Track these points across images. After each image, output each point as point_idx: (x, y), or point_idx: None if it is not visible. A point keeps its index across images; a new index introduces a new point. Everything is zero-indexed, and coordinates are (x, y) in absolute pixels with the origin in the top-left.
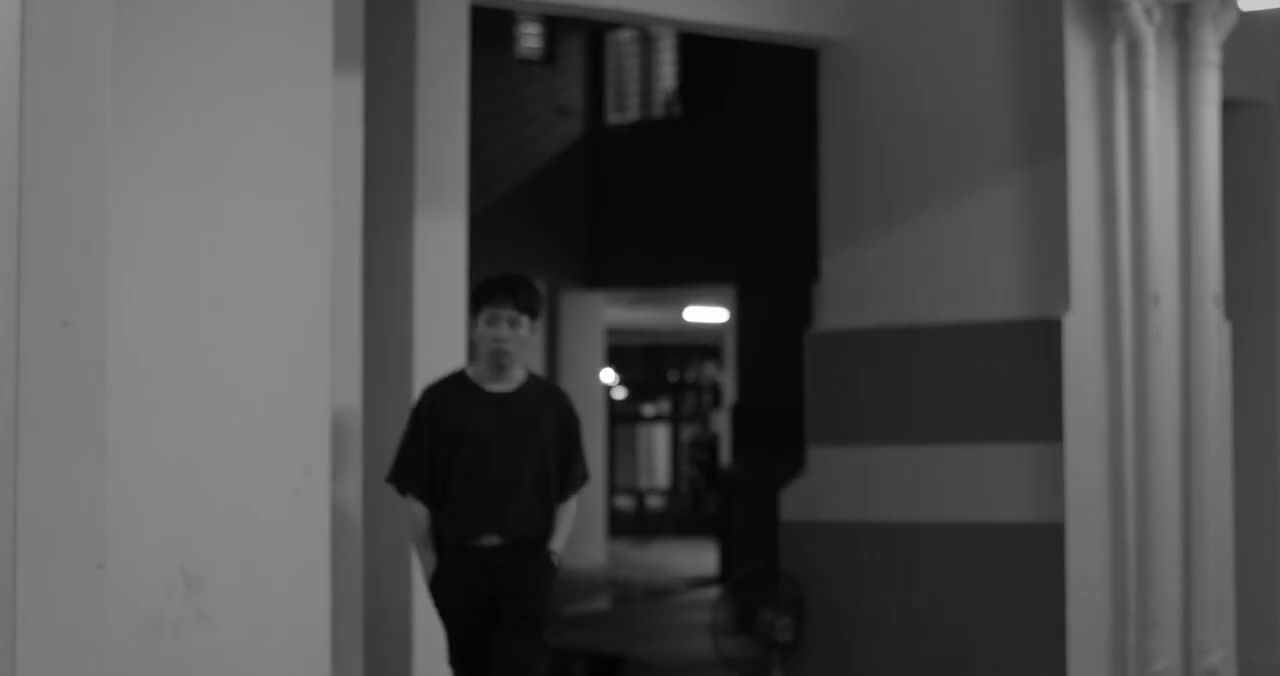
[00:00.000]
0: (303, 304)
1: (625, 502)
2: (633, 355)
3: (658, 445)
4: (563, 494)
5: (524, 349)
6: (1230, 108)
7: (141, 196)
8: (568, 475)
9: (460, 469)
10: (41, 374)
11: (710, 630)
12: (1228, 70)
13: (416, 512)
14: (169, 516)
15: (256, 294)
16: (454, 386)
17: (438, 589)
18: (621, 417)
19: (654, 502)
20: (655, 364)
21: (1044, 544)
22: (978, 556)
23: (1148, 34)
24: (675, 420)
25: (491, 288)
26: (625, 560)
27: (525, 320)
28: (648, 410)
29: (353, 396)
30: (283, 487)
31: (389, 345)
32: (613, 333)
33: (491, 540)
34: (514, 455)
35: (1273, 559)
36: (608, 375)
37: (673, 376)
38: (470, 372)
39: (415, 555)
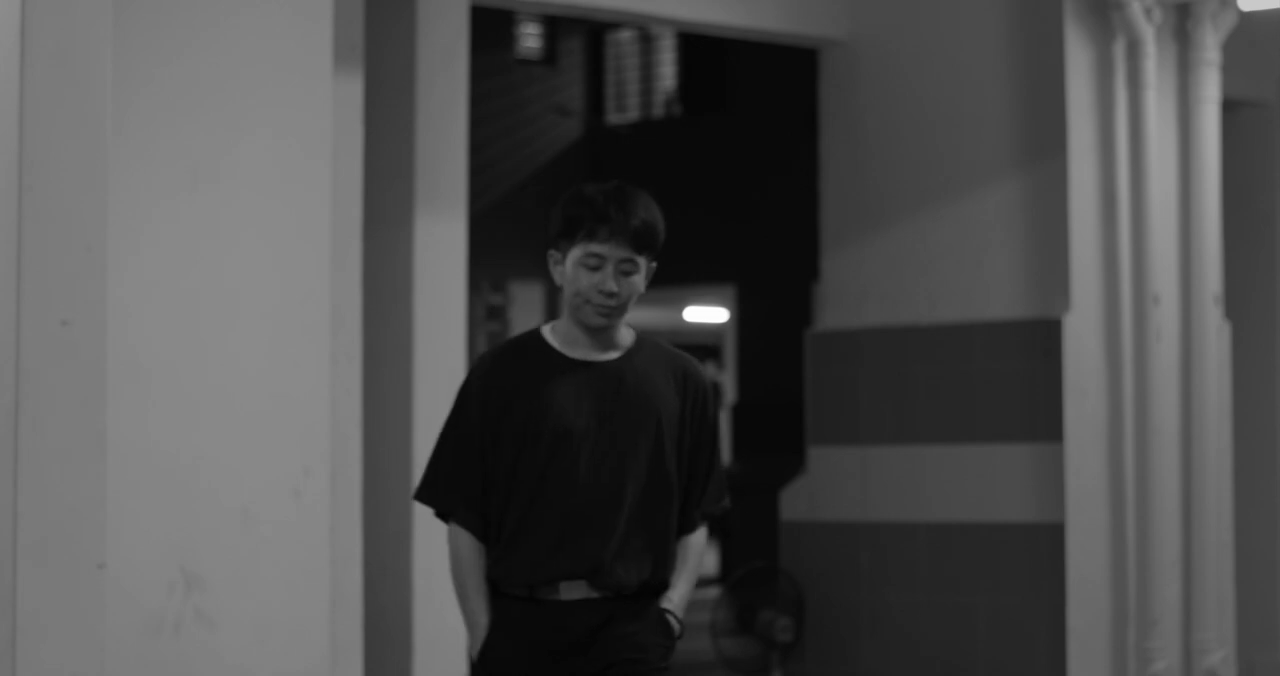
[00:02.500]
0: (303, 304)
1: None
2: None
3: None
4: (689, 522)
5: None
6: (1230, 108)
7: (141, 196)
8: (700, 492)
9: (529, 481)
10: (41, 374)
11: (710, 630)
12: (1228, 70)
13: (461, 546)
14: (169, 516)
15: (256, 294)
16: (523, 355)
17: (489, 663)
18: None
19: None
20: None
21: (1044, 544)
22: (978, 556)
23: (1148, 34)
24: None
25: (594, 211)
26: None
27: (643, 263)
28: None
29: (353, 396)
30: (283, 487)
31: (389, 345)
32: None
33: (576, 591)
34: (616, 460)
35: (1273, 559)
36: None
37: None
38: (549, 334)
39: (460, 608)
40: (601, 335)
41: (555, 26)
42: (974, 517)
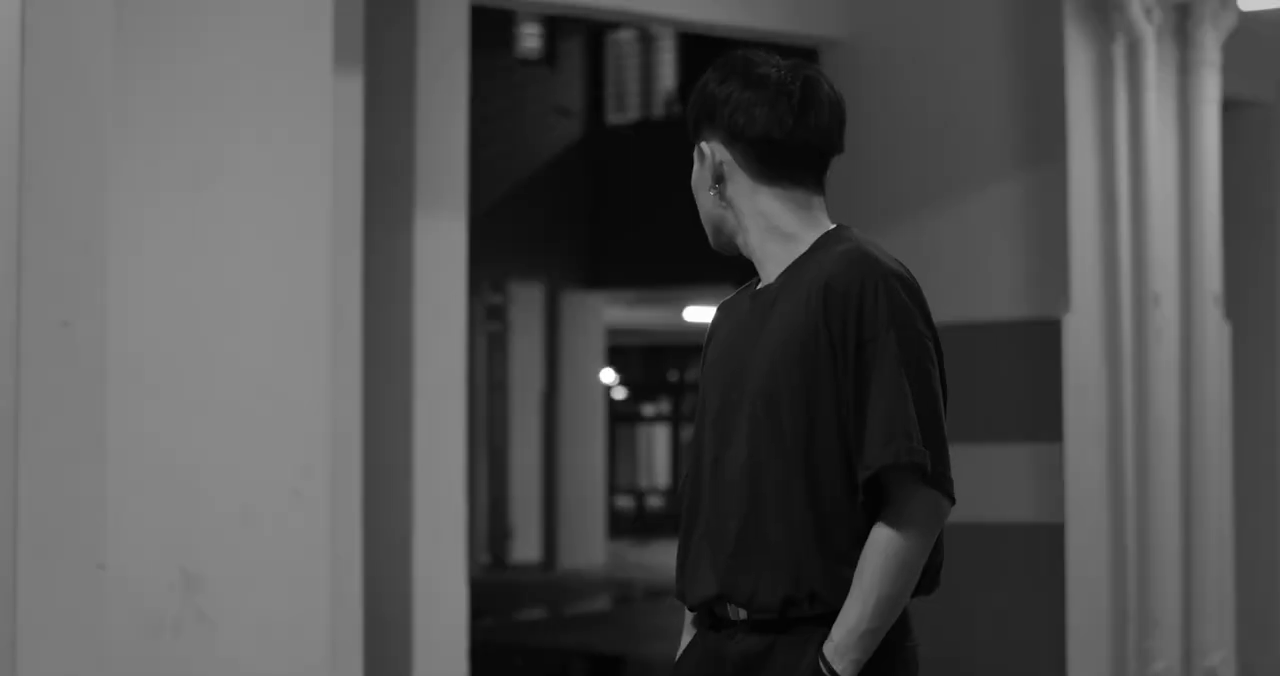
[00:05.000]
0: (303, 304)
1: (625, 502)
2: (633, 355)
3: (658, 445)
4: (860, 495)
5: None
6: (1230, 108)
7: (141, 196)
8: (858, 443)
9: (690, 463)
10: (41, 374)
11: None
12: (1228, 70)
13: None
14: (169, 516)
15: (256, 294)
16: (745, 291)
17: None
18: (621, 417)
19: (654, 502)
20: (655, 364)
21: (1044, 544)
22: (978, 556)
23: (1148, 34)
24: (675, 420)
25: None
26: (625, 560)
27: (705, 151)
28: (648, 410)
29: (353, 396)
30: (283, 487)
31: (389, 345)
32: (613, 332)
33: (718, 609)
34: (745, 423)
35: (1273, 559)
36: (608, 375)
37: (673, 376)
38: None
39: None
40: (765, 255)
41: (555, 26)
42: (974, 517)
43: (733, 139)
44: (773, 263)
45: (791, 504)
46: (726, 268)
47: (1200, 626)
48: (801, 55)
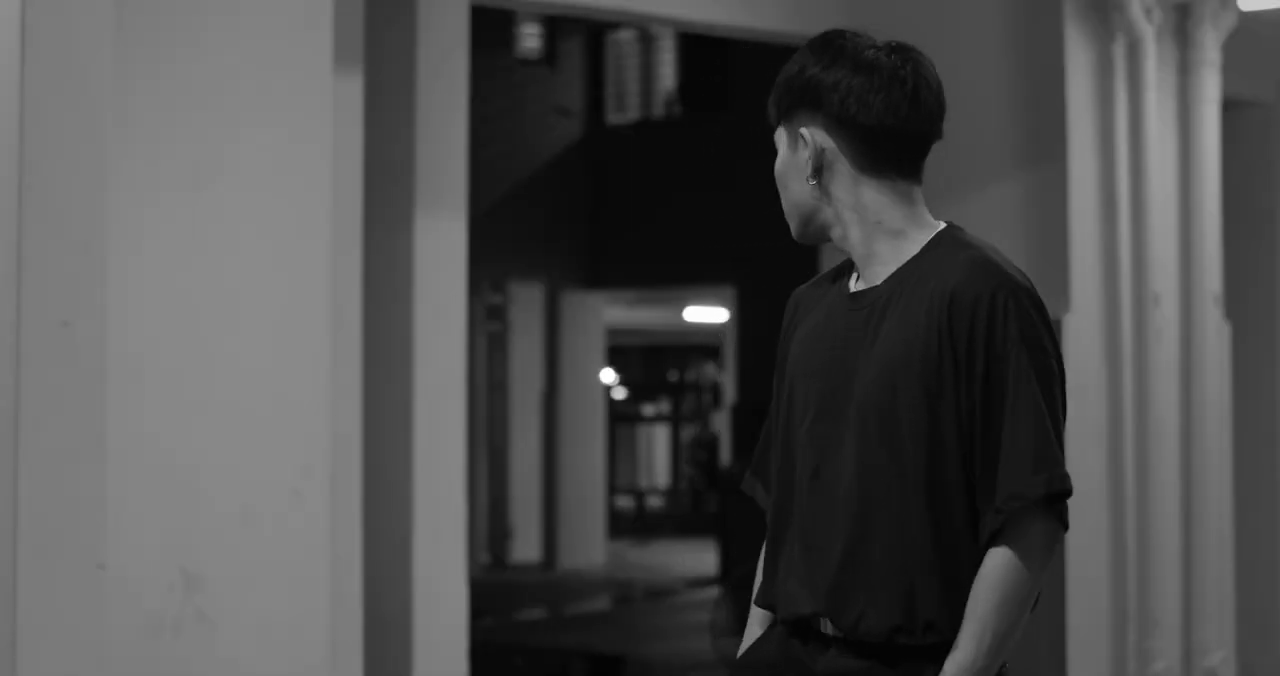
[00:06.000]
0: (303, 304)
1: (625, 502)
2: (633, 355)
3: (658, 445)
4: (985, 521)
5: (815, 197)
6: (1230, 108)
7: (141, 196)
8: (990, 475)
9: (779, 457)
10: (41, 374)
11: (710, 630)
12: (1228, 70)
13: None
14: (169, 516)
15: (256, 294)
16: (831, 278)
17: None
18: (621, 417)
19: (654, 502)
20: (655, 364)
21: None
22: None
23: (1148, 34)
24: (675, 420)
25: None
26: (625, 560)
27: (784, 134)
28: (648, 410)
29: (353, 396)
30: (283, 487)
31: (389, 345)
32: (613, 332)
33: (816, 623)
34: (853, 438)
35: (1273, 559)
36: (608, 375)
37: (673, 376)
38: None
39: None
40: (870, 252)
41: (555, 27)
42: None
43: (840, 126)
44: (879, 262)
45: (908, 528)
46: (726, 268)
47: (1200, 626)
48: None
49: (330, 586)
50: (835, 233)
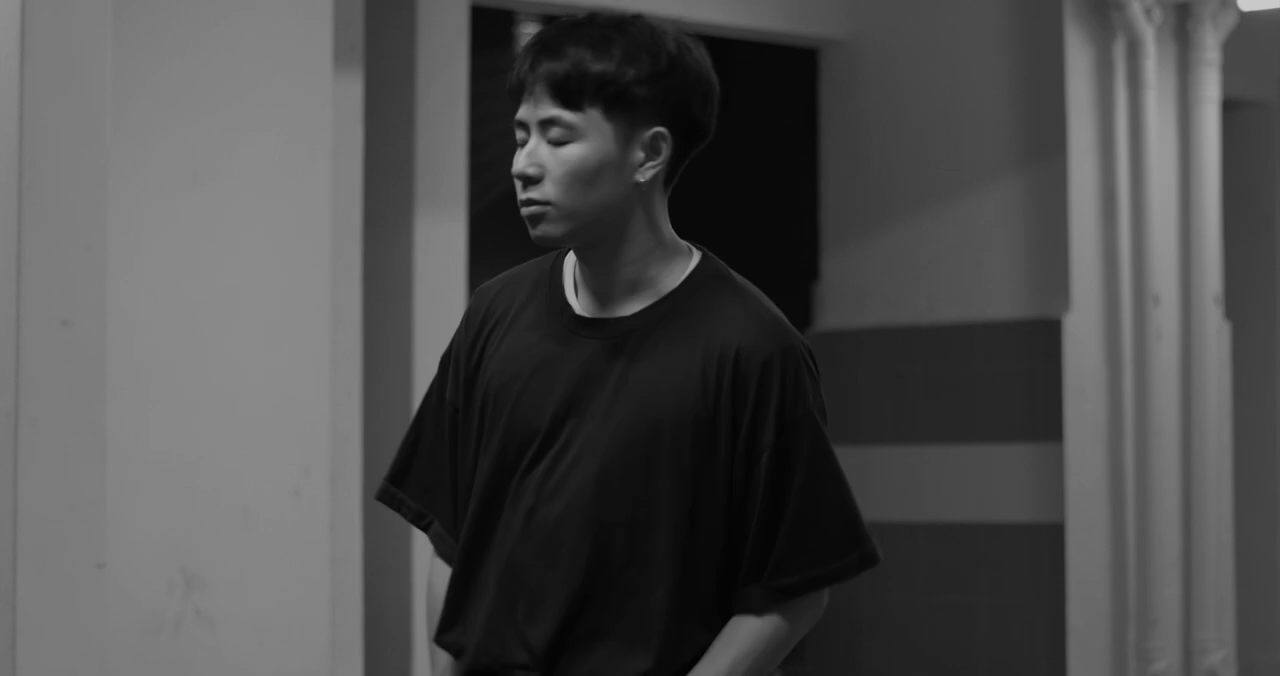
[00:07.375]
0: (303, 304)
1: None
2: None
3: None
4: (761, 593)
5: (600, 204)
6: (1230, 108)
7: (141, 196)
8: (760, 555)
9: (480, 488)
10: (41, 374)
11: None
12: (1228, 70)
13: (433, 573)
14: (169, 516)
15: (256, 294)
16: (529, 286)
17: None
18: None
19: None
20: None
21: (1044, 544)
22: (978, 556)
23: (1148, 34)
24: None
25: (519, 57)
26: None
27: (579, 120)
28: None
29: (353, 397)
30: (283, 487)
31: (389, 345)
32: None
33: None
34: (591, 483)
35: (1273, 559)
36: None
37: None
38: (571, 267)
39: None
40: (605, 271)
41: None
42: (974, 517)
43: (675, 127)
44: (638, 288)
45: (658, 583)
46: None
47: (1200, 626)
48: (801, 55)
49: (330, 586)
50: (607, 246)
